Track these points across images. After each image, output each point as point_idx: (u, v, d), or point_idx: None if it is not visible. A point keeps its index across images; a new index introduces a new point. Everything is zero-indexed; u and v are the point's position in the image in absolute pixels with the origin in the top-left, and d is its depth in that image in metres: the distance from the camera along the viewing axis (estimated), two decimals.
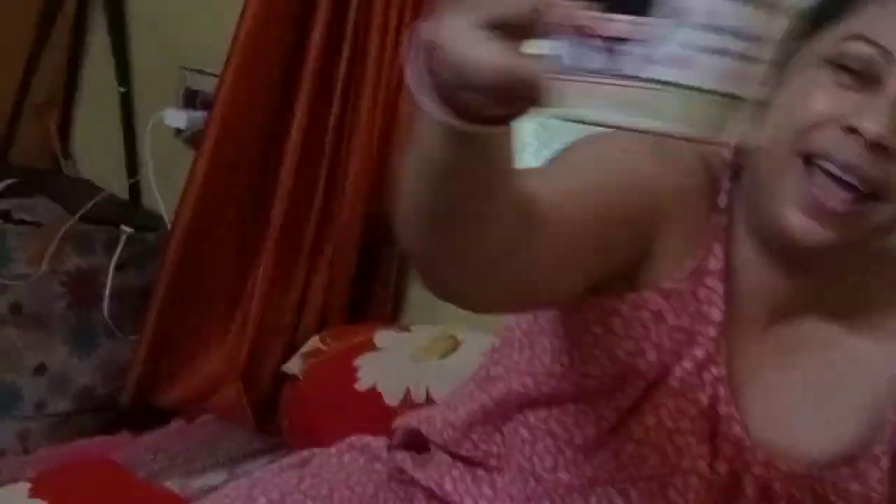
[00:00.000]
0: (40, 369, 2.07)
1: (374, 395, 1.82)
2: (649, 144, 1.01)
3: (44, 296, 2.07)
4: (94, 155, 2.54)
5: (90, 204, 2.17)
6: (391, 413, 1.62)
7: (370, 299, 2.13)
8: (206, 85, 2.23)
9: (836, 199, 0.95)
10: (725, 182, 1.06)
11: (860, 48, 0.96)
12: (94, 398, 2.15)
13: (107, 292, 2.12)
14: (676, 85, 0.68)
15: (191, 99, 2.30)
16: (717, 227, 1.04)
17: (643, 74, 0.68)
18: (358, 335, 1.95)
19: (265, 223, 2.06)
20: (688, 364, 1.03)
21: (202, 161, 2.05)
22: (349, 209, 2.01)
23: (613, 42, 0.68)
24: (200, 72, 2.28)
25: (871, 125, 0.93)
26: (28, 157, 2.47)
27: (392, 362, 1.85)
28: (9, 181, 2.18)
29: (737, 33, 0.69)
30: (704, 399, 1.03)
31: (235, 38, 2.01)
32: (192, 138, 2.27)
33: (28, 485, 1.58)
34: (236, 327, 2.10)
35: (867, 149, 0.93)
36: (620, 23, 0.68)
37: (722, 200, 1.05)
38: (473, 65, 0.64)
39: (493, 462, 1.16)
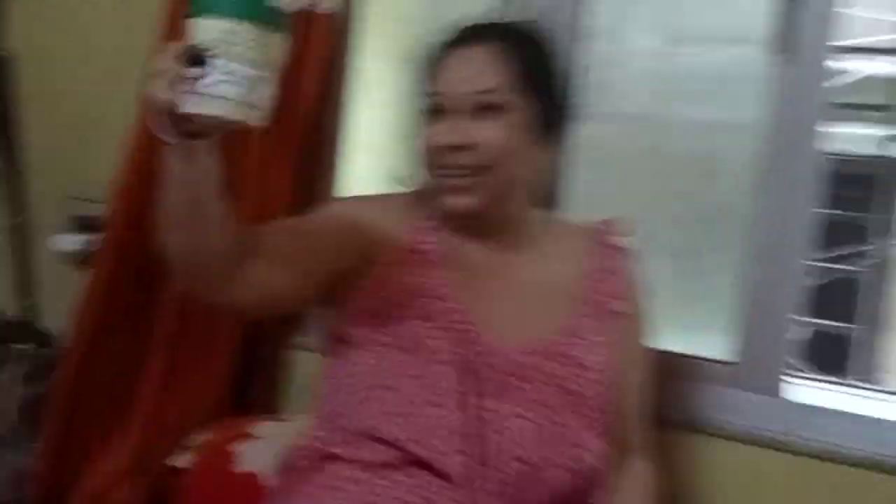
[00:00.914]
0: None
1: (252, 476, 1.91)
2: (366, 201, 1.66)
3: None
4: None
5: None
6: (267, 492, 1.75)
7: (253, 395, 2.28)
8: (94, 211, 2.39)
9: (456, 183, 1.52)
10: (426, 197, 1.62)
11: (432, 100, 1.56)
12: None
13: (10, 404, 2.28)
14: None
15: (83, 223, 2.46)
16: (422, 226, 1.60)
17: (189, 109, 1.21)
18: (240, 427, 2.06)
19: (151, 332, 2.21)
20: (433, 298, 1.53)
21: (92, 279, 2.22)
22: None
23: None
24: (88, 200, 2.45)
25: (442, 139, 1.52)
26: None
27: (269, 448, 1.94)
28: None
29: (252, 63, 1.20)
30: (447, 314, 1.52)
31: (121, 170, 2.21)
32: (82, 260, 2.42)
33: None
34: (129, 429, 2.20)
35: (448, 151, 1.52)
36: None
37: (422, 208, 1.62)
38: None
39: None
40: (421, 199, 1.64)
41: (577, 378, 1.55)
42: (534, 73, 1.56)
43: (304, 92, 2.19)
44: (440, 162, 1.55)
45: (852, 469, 1.83)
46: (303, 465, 1.58)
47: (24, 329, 2.48)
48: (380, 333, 1.53)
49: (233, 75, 1.18)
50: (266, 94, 1.22)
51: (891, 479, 1.80)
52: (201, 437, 2.09)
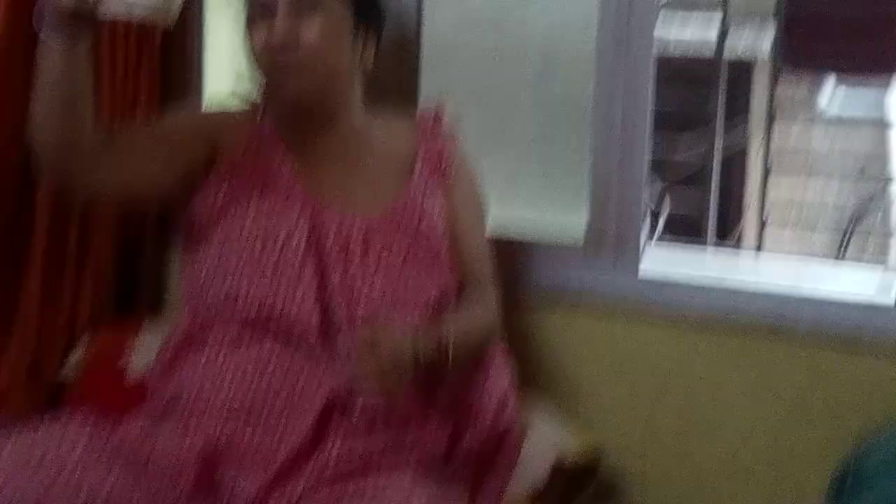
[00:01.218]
0: None
1: (143, 387, 1.87)
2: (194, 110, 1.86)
3: None
4: None
5: None
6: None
7: (139, 297, 2.38)
8: None
9: (284, 76, 1.66)
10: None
11: (255, 3, 1.67)
12: None
13: None
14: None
15: None
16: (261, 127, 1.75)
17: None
18: (125, 329, 2.16)
19: (30, 243, 2.25)
20: (278, 177, 1.70)
21: None
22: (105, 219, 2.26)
23: None
24: None
25: (266, 40, 1.65)
26: None
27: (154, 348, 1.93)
28: None
29: None
30: (295, 193, 1.69)
31: None
32: None
33: None
34: (14, 345, 2.25)
35: (272, 51, 1.64)
36: None
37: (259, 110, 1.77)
38: None
39: None
40: (259, 106, 1.79)
41: (416, 234, 1.73)
42: None
43: None
44: (268, 61, 1.67)
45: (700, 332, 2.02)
46: (170, 352, 1.72)
47: None
48: (231, 214, 1.68)
49: None
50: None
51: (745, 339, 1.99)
52: (87, 347, 2.18)
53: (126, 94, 2.26)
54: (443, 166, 1.82)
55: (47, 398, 2.21)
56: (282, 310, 1.62)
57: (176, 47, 2.35)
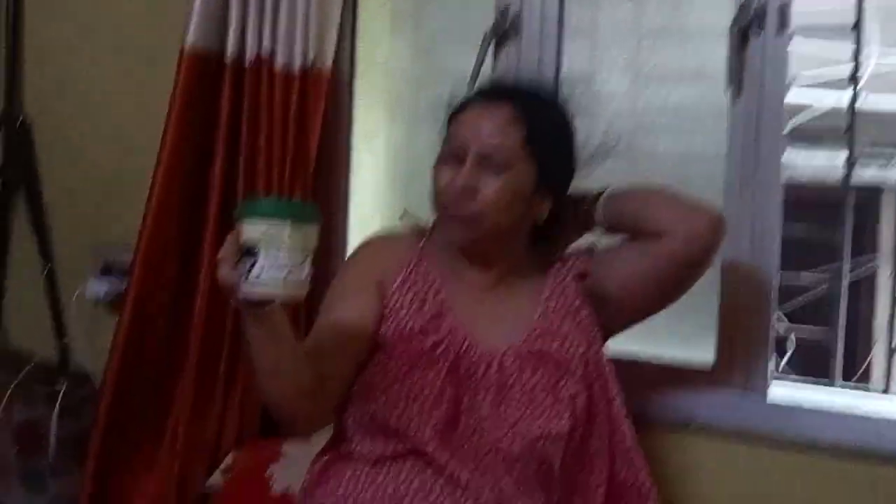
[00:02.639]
0: None
1: (287, 497, 2.08)
2: (362, 254, 1.93)
3: None
4: (26, 325, 2.86)
5: (28, 367, 2.55)
6: None
7: None
8: (119, 255, 2.59)
9: (456, 217, 1.78)
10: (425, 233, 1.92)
11: (451, 144, 1.81)
12: None
13: (51, 440, 2.48)
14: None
15: (107, 269, 2.67)
16: (424, 253, 1.87)
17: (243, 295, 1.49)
18: (270, 448, 2.23)
19: (182, 364, 2.40)
20: (431, 307, 1.82)
21: (124, 320, 2.40)
22: None
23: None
24: (113, 244, 2.64)
25: (449, 180, 1.77)
26: None
27: (298, 466, 2.04)
28: None
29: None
30: (444, 322, 1.80)
31: (145, 216, 2.39)
32: (111, 302, 2.64)
33: None
34: (165, 456, 2.38)
35: (452, 191, 1.76)
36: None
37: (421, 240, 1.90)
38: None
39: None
40: (426, 230, 1.93)
41: (550, 357, 1.81)
42: (543, 138, 1.81)
43: (310, 144, 2.38)
44: (445, 201, 1.80)
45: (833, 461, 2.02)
46: (317, 471, 1.82)
47: (59, 368, 2.67)
48: (384, 338, 1.79)
49: (276, 263, 1.47)
50: (304, 273, 1.50)
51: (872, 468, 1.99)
52: (234, 460, 2.26)
53: None
54: (574, 301, 1.89)
55: None
56: (415, 435, 1.71)
57: (325, 180, 2.49)
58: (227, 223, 2.35)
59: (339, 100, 2.51)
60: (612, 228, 1.90)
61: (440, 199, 1.81)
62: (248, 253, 1.48)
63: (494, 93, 1.88)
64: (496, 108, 1.80)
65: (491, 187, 1.76)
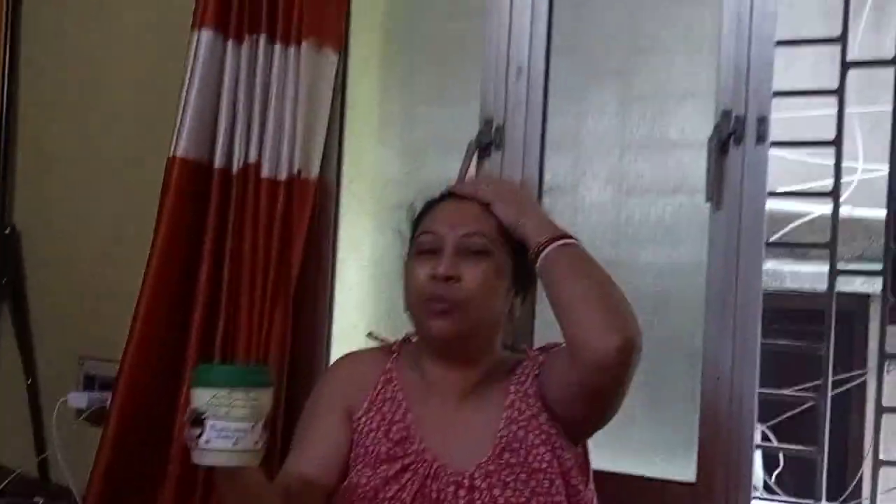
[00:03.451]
0: None
1: None
2: (330, 379, 1.92)
3: None
4: (7, 439, 2.83)
5: (5, 482, 2.52)
6: None
7: None
8: (103, 369, 2.59)
9: (440, 308, 1.74)
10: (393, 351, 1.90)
11: (426, 238, 1.78)
12: None
13: None
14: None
15: (91, 382, 2.66)
16: (392, 372, 1.85)
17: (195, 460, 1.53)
18: None
19: (162, 481, 2.37)
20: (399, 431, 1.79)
21: (108, 434, 2.38)
22: None
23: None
24: (97, 358, 2.64)
25: (431, 270, 1.74)
26: None
27: None
28: None
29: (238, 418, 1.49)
30: (411, 446, 1.76)
31: (131, 330, 2.39)
32: (92, 416, 2.62)
33: None
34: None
35: (435, 281, 1.73)
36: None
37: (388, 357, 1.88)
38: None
39: None
40: (394, 348, 1.91)
41: (520, 477, 1.75)
42: None
43: (294, 252, 2.39)
44: (427, 293, 1.76)
45: None
46: None
47: (40, 485, 2.64)
48: (354, 474, 1.78)
49: (223, 432, 1.49)
50: (253, 440, 1.52)
51: None
52: None
53: (262, 325, 2.38)
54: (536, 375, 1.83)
55: None
56: None
57: (309, 288, 2.48)
58: (211, 334, 2.37)
59: (325, 207, 2.52)
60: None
61: (421, 294, 1.78)
62: (195, 421, 1.50)
63: (460, 194, 1.89)
64: (466, 202, 1.83)
65: (474, 273, 1.76)
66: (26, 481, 2.64)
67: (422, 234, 1.82)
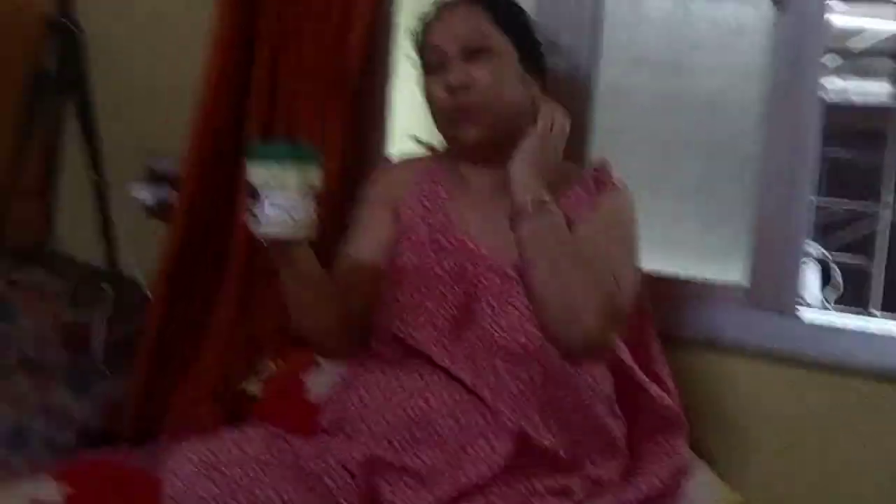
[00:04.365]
0: (44, 409, 2.45)
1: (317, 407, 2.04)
2: (376, 181, 2.01)
3: (46, 347, 2.49)
4: (76, 230, 2.92)
5: (78, 271, 2.61)
6: None
7: None
8: (168, 164, 2.62)
9: (462, 117, 1.85)
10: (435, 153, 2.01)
11: (430, 55, 1.86)
12: (95, 433, 2.50)
13: (98, 341, 2.56)
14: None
15: (155, 175, 2.70)
16: (433, 171, 1.95)
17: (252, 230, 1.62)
18: (306, 356, 2.23)
19: (223, 273, 2.43)
20: (442, 223, 1.88)
21: (170, 231, 2.45)
22: None
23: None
24: (162, 153, 2.69)
25: (442, 83, 1.82)
26: (19, 236, 2.85)
27: (334, 377, 2.08)
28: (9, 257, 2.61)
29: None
30: (453, 236, 1.86)
31: (192, 127, 2.42)
32: (158, 210, 2.67)
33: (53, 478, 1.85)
34: (207, 358, 2.43)
35: (449, 93, 1.81)
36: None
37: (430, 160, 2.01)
38: None
39: None
40: (436, 150, 2.02)
41: None
42: (510, 21, 1.87)
43: (352, 49, 2.36)
44: (448, 106, 1.84)
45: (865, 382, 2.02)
46: (344, 374, 1.92)
47: (108, 273, 2.73)
48: (400, 256, 1.88)
49: (276, 203, 1.58)
50: (306, 213, 1.61)
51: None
52: (271, 367, 2.30)
53: (319, 117, 2.39)
54: (593, 206, 1.88)
55: (232, 412, 2.34)
56: (420, 341, 1.77)
57: (366, 101, 2.47)
58: (269, 126, 2.41)
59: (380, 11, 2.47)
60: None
61: (443, 109, 1.86)
62: (253, 195, 1.60)
63: (448, 2, 1.93)
64: (455, 8, 1.90)
65: (483, 72, 1.82)
66: (95, 272, 2.72)
67: (425, 51, 1.90)
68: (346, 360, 1.95)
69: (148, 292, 2.58)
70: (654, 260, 2.01)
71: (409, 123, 2.54)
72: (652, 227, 1.98)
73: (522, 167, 1.79)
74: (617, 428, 1.84)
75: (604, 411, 1.82)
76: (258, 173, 1.59)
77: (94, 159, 2.80)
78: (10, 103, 2.80)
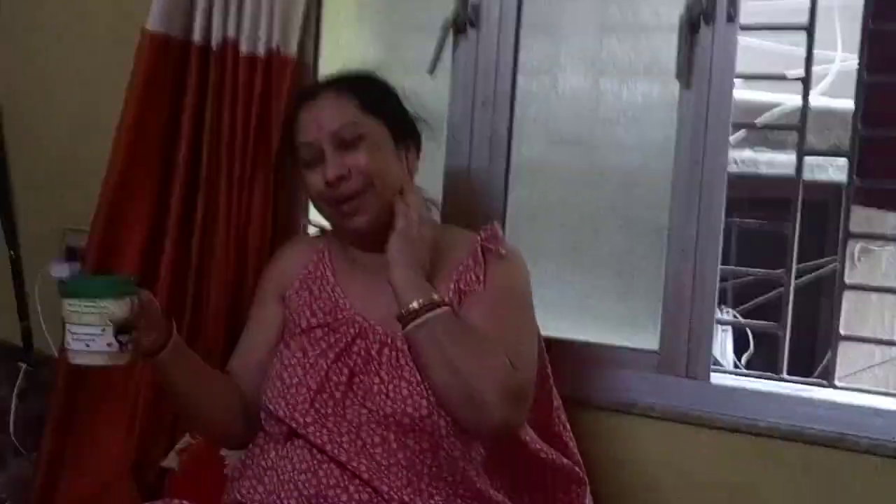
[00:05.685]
0: None
1: None
2: (268, 268, 2.09)
3: None
4: None
5: None
6: None
7: None
8: (83, 240, 2.57)
9: (346, 208, 1.87)
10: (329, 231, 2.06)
11: (304, 150, 1.90)
12: None
13: (11, 418, 2.52)
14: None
15: (72, 253, 2.68)
16: (322, 253, 2.01)
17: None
18: None
19: None
20: (328, 301, 1.94)
21: None
22: (213, 323, 2.37)
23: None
24: (80, 230, 2.65)
25: (321, 179, 1.86)
26: None
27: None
28: None
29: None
30: (340, 316, 1.90)
31: (100, 200, 2.41)
32: None
33: None
34: (122, 435, 2.39)
35: (330, 186, 1.85)
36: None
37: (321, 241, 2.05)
38: None
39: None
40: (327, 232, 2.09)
41: None
42: (378, 103, 1.93)
43: (273, 129, 2.36)
44: (328, 198, 1.89)
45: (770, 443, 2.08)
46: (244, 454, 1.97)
47: (23, 350, 2.70)
48: (285, 344, 1.94)
49: (76, 336, 1.70)
50: (107, 342, 1.70)
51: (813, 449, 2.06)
52: (189, 441, 2.29)
53: (241, 201, 2.40)
54: (471, 282, 1.90)
55: (151, 486, 2.34)
56: (297, 419, 1.82)
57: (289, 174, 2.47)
58: (192, 206, 2.41)
59: (302, 83, 2.51)
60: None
61: (326, 202, 1.90)
62: (63, 326, 1.73)
63: (311, 91, 1.98)
64: (320, 98, 1.93)
65: (358, 159, 1.86)
66: (9, 348, 2.70)
67: (299, 149, 1.92)
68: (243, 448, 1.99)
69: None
70: (571, 328, 2.06)
71: None
72: (569, 297, 2.04)
73: (399, 272, 1.82)
74: (492, 488, 1.87)
75: (476, 474, 1.84)
76: (63, 307, 1.71)
77: (11, 235, 2.78)
78: None
